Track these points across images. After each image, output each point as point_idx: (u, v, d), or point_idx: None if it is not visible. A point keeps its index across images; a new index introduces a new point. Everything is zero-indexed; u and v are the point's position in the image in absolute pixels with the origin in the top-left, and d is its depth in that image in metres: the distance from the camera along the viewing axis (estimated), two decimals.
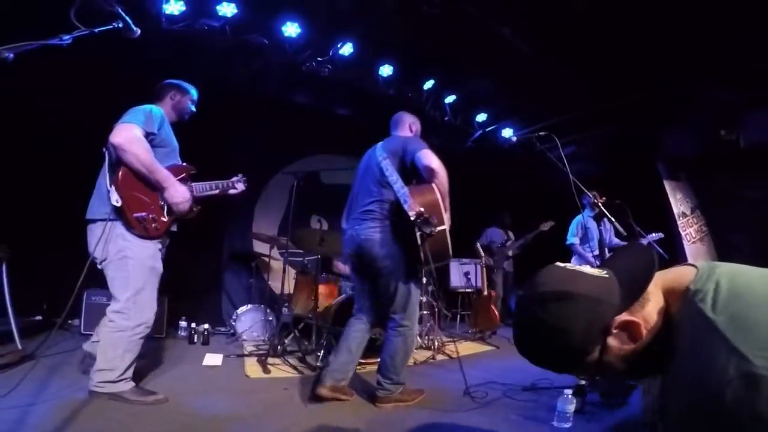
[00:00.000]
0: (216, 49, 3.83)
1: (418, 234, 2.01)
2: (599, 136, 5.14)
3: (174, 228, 2.31)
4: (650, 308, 0.74)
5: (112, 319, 2.04)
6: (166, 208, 2.16)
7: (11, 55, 1.09)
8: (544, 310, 0.76)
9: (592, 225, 4.11)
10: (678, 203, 5.17)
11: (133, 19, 1.64)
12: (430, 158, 2.20)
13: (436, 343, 3.66)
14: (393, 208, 2.20)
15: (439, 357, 3.45)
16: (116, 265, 2.04)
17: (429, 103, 5.07)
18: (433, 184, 2.18)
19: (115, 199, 1.98)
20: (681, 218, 5.12)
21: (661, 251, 4.24)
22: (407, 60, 4.45)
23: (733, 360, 0.59)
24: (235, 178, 2.68)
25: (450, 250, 2.22)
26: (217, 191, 2.55)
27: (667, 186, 5.15)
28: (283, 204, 5.21)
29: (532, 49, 3.94)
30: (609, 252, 4.53)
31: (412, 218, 2.00)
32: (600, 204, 2.93)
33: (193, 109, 2.49)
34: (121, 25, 1.53)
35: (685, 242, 5.02)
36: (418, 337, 3.88)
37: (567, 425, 1.91)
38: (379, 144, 2.48)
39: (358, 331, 2.38)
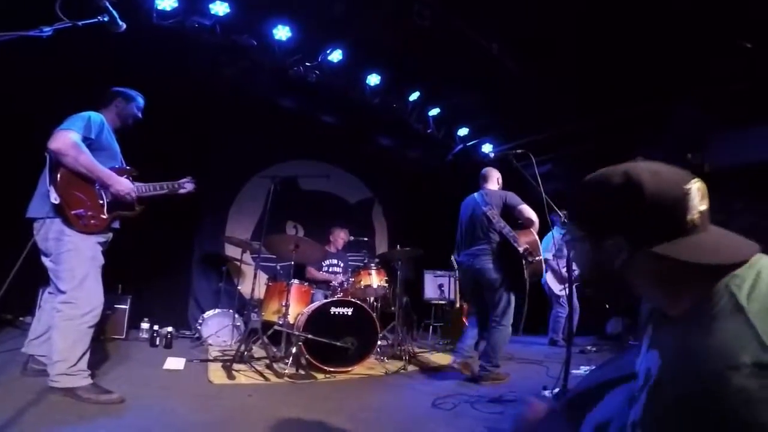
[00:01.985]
0: (204, 48, 3.79)
1: (525, 262, 2.93)
2: (574, 156, 5.33)
3: (116, 225, 2.38)
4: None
5: (60, 309, 2.08)
6: (105, 205, 2.27)
7: None
8: (616, 174, 0.74)
9: (561, 241, 4.24)
10: None
11: (123, 13, 1.65)
12: (529, 212, 3.10)
13: (408, 354, 3.64)
14: (499, 246, 3.08)
15: (411, 367, 3.44)
16: (60, 259, 2.12)
17: (413, 114, 5.14)
18: (531, 229, 3.08)
19: (54, 198, 2.08)
20: None
21: None
22: (395, 70, 4.52)
23: (753, 347, 0.56)
24: (183, 180, 2.73)
25: (542, 270, 3.10)
26: (163, 192, 2.63)
27: None
28: (258, 208, 5.13)
29: (517, 67, 4.08)
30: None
31: (521, 251, 2.93)
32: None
33: (139, 116, 2.57)
34: (106, 19, 1.52)
35: None
36: (391, 347, 3.89)
37: None
38: (477, 196, 3.31)
39: (473, 331, 3.26)
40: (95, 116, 2.28)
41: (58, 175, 2.10)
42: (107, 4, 1.50)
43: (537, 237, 3.08)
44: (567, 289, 3.11)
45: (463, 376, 3.09)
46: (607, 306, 5.01)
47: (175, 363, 2.96)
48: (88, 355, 2.13)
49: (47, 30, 1.28)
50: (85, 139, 2.18)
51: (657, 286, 0.74)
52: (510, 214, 3.12)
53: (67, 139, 2.10)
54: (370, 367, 3.37)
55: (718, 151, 4.35)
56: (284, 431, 1.95)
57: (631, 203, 0.71)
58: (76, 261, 2.12)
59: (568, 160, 5.42)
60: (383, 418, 2.22)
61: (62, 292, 2.10)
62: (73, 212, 2.11)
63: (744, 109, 3.92)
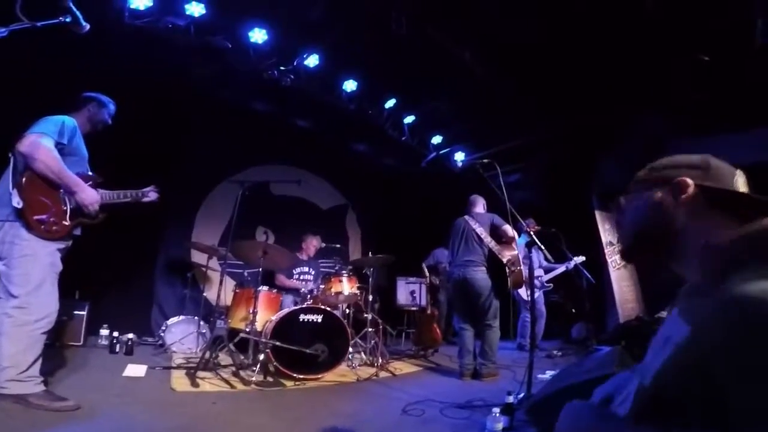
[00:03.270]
0: (177, 49, 3.70)
1: (508, 271, 3.36)
2: (543, 165, 5.54)
3: (77, 232, 2.33)
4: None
5: (12, 314, 1.99)
6: (69, 212, 2.21)
7: None
8: None
9: (524, 250, 4.40)
10: (606, 233, 5.67)
11: (94, 11, 1.59)
12: (511, 231, 3.50)
13: (379, 360, 3.63)
14: (486, 258, 3.51)
15: (382, 374, 3.43)
16: (15, 263, 2.04)
17: (389, 121, 5.19)
18: (513, 244, 3.53)
19: (17, 201, 2.02)
20: (608, 246, 5.61)
21: (588, 275, 4.60)
22: (371, 77, 4.54)
23: None
24: (146, 189, 2.70)
25: (524, 280, 3.43)
26: (127, 199, 2.60)
27: (598, 216, 5.65)
28: (227, 213, 4.99)
29: (489, 75, 4.20)
30: (545, 272, 4.88)
31: (504, 262, 3.39)
32: (531, 232, 3.16)
33: (109, 121, 2.54)
34: (69, 20, 1.47)
35: (611, 269, 5.49)
36: (363, 354, 3.87)
37: None
38: (468, 218, 3.72)
39: (469, 338, 3.52)
40: (69, 121, 2.25)
41: (24, 179, 2.04)
42: (70, 4, 1.45)
43: (517, 252, 3.48)
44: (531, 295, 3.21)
45: (435, 382, 3.13)
46: (573, 310, 5.19)
47: (135, 370, 2.84)
48: (40, 362, 2.05)
49: (1, 31, 1.23)
50: (57, 144, 2.15)
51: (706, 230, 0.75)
52: (495, 232, 3.57)
53: (39, 143, 2.05)
54: (341, 374, 3.33)
55: None
56: None
57: (703, 165, 0.82)
58: (32, 266, 2.05)
59: (536, 169, 5.64)
60: (353, 425, 2.20)
61: (14, 297, 2.00)
62: (35, 217, 2.06)
63: (702, 118, 4.17)
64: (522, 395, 2.50)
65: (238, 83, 4.36)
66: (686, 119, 4.28)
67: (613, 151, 4.90)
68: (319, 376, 3.15)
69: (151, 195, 2.69)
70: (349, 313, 4.10)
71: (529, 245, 3.14)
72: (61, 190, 2.18)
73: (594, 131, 4.75)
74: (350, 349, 3.53)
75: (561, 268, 4.82)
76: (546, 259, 4.61)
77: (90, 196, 2.26)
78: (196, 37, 3.60)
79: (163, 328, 3.75)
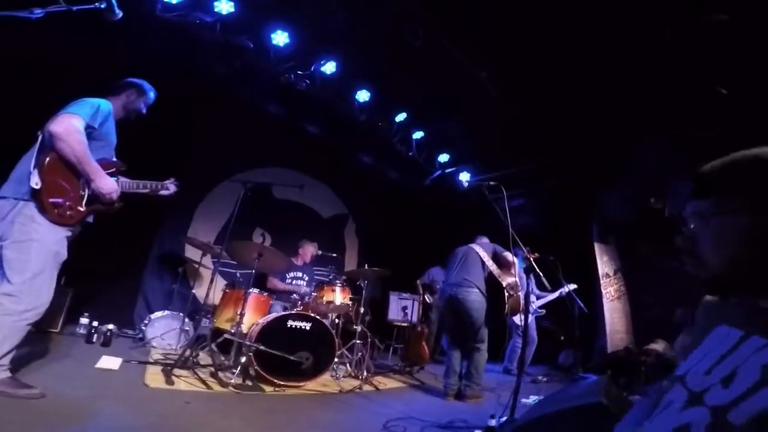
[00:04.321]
0: (200, 45, 3.76)
1: (507, 296, 3.38)
2: (546, 192, 5.52)
3: (90, 219, 2.27)
4: None
5: (1, 302, 1.88)
6: (86, 198, 2.15)
7: None
8: None
9: (523, 275, 4.36)
10: (603, 264, 5.62)
11: (124, 1, 1.59)
12: (511, 257, 3.55)
13: (365, 374, 3.54)
14: (482, 281, 3.51)
15: (366, 387, 3.34)
16: (18, 247, 1.95)
17: (397, 135, 5.21)
18: (512, 270, 3.55)
19: (35, 182, 1.95)
20: (604, 278, 5.55)
21: (581, 304, 4.54)
22: (385, 89, 4.59)
23: None
24: (166, 181, 2.65)
25: (520, 307, 3.42)
26: (145, 190, 2.54)
27: (597, 248, 5.60)
28: (227, 211, 4.96)
29: (503, 97, 4.22)
30: (537, 299, 4.84)
31: (504, 286, 3.41)
32: (531, 259, 3.13)
33: (144, 111, 2.51)
34: (104, 6, 1.49)
35: (604, 300, 5.43)
36: (348, 366, 3.78)
37: None
38: (473, 245, 3.77)
39: (457, 359, 3.51)
40: (105, 105, 2.22)
41: (46, 159, 2.00)
42: None
43: (516, 278, 3.51)
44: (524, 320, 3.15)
45: (419, 400, 3.06)
46: (563, 337, 5.12)
47: (109, 362, 2.74)
48: (14, 352, 1.94)
49: (38, 12, 1.24)
50: (88, 127, 2.11)
51: None
52: (495, 258, 3.62)
53: (70, 124, 2.02)
54: (324, 383, 3.24)
55: (679, 196, 4.60)
56: None
57: None
58: (36, 253, 1.97)
59: (539, 195, 5.62)
60: None
61: (9, 282, 1.91)
62: (51, 200, 2.00)
63: (709, 155, 4.16)
64: (505, 418, 2.42)
65: (254, 83, 4.41)
66: (690, 154, 4.28)
67: (616, 182, 4.89)
68: (301, 384, 3.05)
69: (170, 188, 2.64)
70: (338, 323, 4.02)
71: (527, 271, 3.10)
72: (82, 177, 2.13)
73: (598, 161, 4.76)
74: (336, 360, 3.45)
75: (554, 295, 4.79)
76: (539, 286, 4.58)
77: (107, 185, 2.18)
78: (221, 35, 3.66)
79: (146, 321, 3.66)
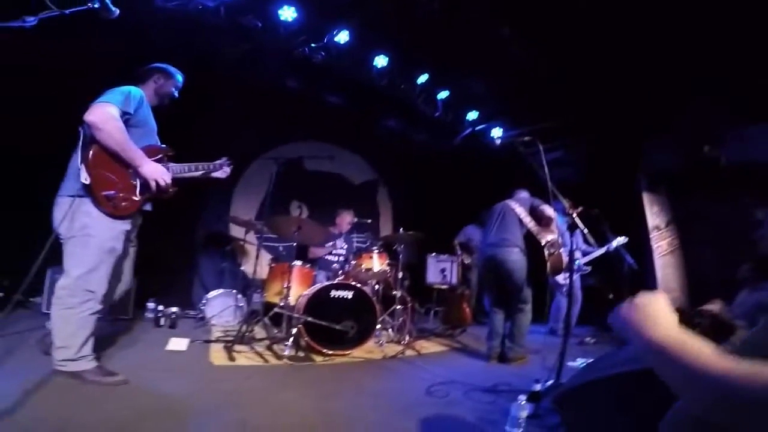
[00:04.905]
0: (208, 30, 3.71)
1: (547, 254, 3.22)
2: (586, 143, 5.18)
3: (148, 207, 2.31)
4: None
5: (60, 296, 2.04)
6: (138, 186, 2.17)
7: None
8: None
9: (565, 231, 4.19)
10: (654, 216, 5.26)
11: None
12: (550, 211, 3.33)
13: (407, 338, 3.68)
14: (522, 239, 3.37)
15: (409, 352, 3.47)
16: (77, 242, 2.04)
17: (421, 97, 5.03)
18: (552, 226, 3.35)
19: (84, 177, 1.98)
20: (655, 231, 5.21)
21: (631, 260, 4.34)
22: (403, 52, 4.39)
23: None
24: (220, 161, 2.64)
25: (563, 265, 3.29)
26: (198, 173, 2.53)
27: (645, 198, 5.23)
28: (263, 188, 5.12)
29: (528, 52, 3.92)
30: (583, 255, 4.65)
31: (543, 244, 3.24)
32: (573, 214, 2.98)
33: (176, 94, 2.49)
34: (97, 6, 1.45)
35: (655, 255, 5.13)
36: (390, 331, 3.94)
37: (518, 430, 1.94)
38: (509, 201, 3.58)
39: (499, 320, 3.46)
40: (135, 90, 2.19)
41: (90, 153, 2.01)
42: None
43: (557, 235, 3.35)
44: (569, 279, 3.05)
45: (462, 363, 3.15)
46: (611, 296, 4.96)
47: (178, 344, 3.02)
48: (92, 340, 2.12)
49: (31, 20, 1.23)
50: (124, 114, 2.09)
51: None
52: (533, 213, 3.45)
53: (105, 112, 2.01)
54: (368, 350, 3.41)
55: (735, 145, 4.18)
56: (279, 412, 1.99)
57: None
58: (92, 249, 2.04)
59: (579, 147, 5.28)
60: (377, 404, 2.25)
61: (67, 277, 2.04)
62: (103, 193, 2.02)
63: (760, 104, 3.73)
64: (550, 382, 2.45)
65: (270, 62, 4.35)
66: (742, 103, 3.82)
67: (663, 132, 4.49)
68: (347, 352, 3.24)
69: (225, 168, 2.65)
70: (378, 289, 4.13)
71: (571, 227, 2.97)
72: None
73: (643, 111, 4.36)
74: (378, 326, 3.58)
75: (601, 251, 4.53)
76: (586, 241, 4.38)
77: (153, 170, 2.16)
78: (227, 18, 3.58)
79: (204, 301, 3.98)
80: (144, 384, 2.18)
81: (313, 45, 4.05)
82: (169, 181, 2.25)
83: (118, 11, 1.56)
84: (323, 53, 4.13)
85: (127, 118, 2.11)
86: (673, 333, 0.70)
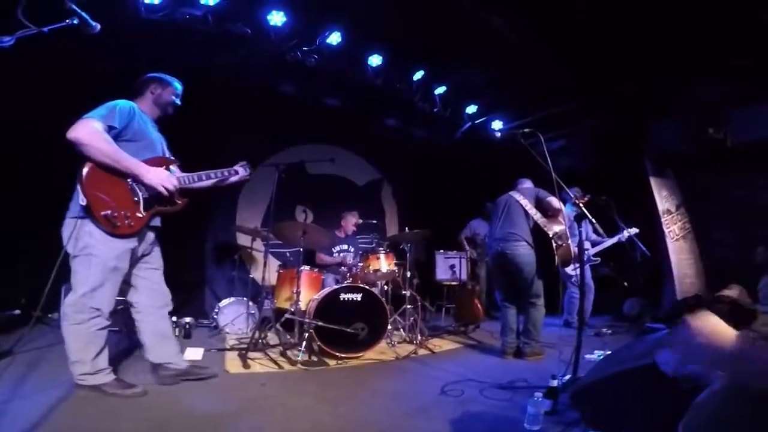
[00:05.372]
0: (197, 39, 3.71)
1: (555, 246, 3.16)
2: (588, 130, 5.11)
3: (157, 223, 2.29)
4: None
5: (67, 312, 2.07)
6: (141, 202, 2.12)
7: None
8: None
9: (573, 222, 4.13)
10: (663, 200, 5.18)
11: (109, 9, 1.55)
12: (556, 203, 3.23)
13: (419, 338, 3.67)
14: (529, 232, 3.31)
15: (421, 351, 3.46)
16: (80, 261, 2.06)
17: (418, 93, 5.00)
18: (560, 217, 3.28)
19: (81, 199, 1.97)
20: (665, 215, 5.12)
21: (643, 248, 4.28)
22: (396, 49, 4.36)
23: None
24: (236, 166, 2.60)
25: (572, 256, 3.25)
26: (211, 182, 2.48)
27: (653, 182, 5.15)
28: (267, 195, 5.05)
29: (524, 41, 3.88)
30: (592, 245, 4.58)
31: (550, 235, 3.18)
32: (580, 204, 2.94)
33: (178, 102, 2.44)
34: (76, 22, 1.40)
35: (668, 240, 5.04)
36: (402, 331, 3.93)
37: (536, 428, 1.92)
38: (513, 193, 3.53)
39: (512, 315, 3.41)
40: (123, 103, 2.12)
41: (84, 173, 1.97)
42: (73, 6, 1.38)
43: (565, 226, 3.27)
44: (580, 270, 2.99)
45: (476, 360, 3.13)
46: (626, 284, 4.89)
47: (193, 353, 3.04)
48: (106, 353, 2.15)
49: (7, 39, 1.18)
50: (110, 129, 2.03)
51: None
52: (540, 205, 3.38)
53: (86, 127, 1.95)
54: (381, 352, 3.41)
55: (741, 125, 4.09)
56: (294, 421, 1.99)
57: None
58: (94, 268, 2.04)
59: (581, 134, 5.22)
60: (392, 406, 2.25)
61: (73, 294, 2.08)
62: (102, 213, 1.98)
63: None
64: (568, 377, 2.43)
65: (264, 68, 4.35)
66: (750, 82, 3.74)
67: (668, 114, 4.41)
68: (360, 354, 3.24)
69: (240, 172, 2.56)
70: (387, 290, 4.13)
71: (578, 218, 2.93)
72: (129, 180, 2.07)
73: (646, 95, 4.28)
74: (389, 327, 3.57)
75: (611, 241, 4.47)
76: (595, 231, 4.31)
77: (158, 176, 2.11)
78: (215, 26, 3.58)
79: (216, 310, 4.01)
80: (162, 394, 2.21)
81: (305, 48, 4.04)
82: (174, 185, 2.20)
83: (99, 26, 1.51)
84: (316, 56, 4.12)
85: (116, 132, 2.06)
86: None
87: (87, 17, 1.42)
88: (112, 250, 2.07)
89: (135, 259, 2.23)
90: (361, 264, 3.87)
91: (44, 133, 3.56)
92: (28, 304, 3.88)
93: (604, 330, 4.24)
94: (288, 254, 4.91)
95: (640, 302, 4.70)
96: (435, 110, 5.20)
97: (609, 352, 2.56)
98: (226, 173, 2.53)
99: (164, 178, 2.16)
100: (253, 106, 4.90)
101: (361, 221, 4.81)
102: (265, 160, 5.12)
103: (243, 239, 4.83)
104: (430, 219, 4.90)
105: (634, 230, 4.31)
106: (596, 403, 1.93)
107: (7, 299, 3.73)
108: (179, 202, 2.29)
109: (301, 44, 4.01)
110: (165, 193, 2.16)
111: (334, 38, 4.02)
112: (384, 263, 3.80)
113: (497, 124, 5.64)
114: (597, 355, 3.13)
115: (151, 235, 2.30)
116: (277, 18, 3.74)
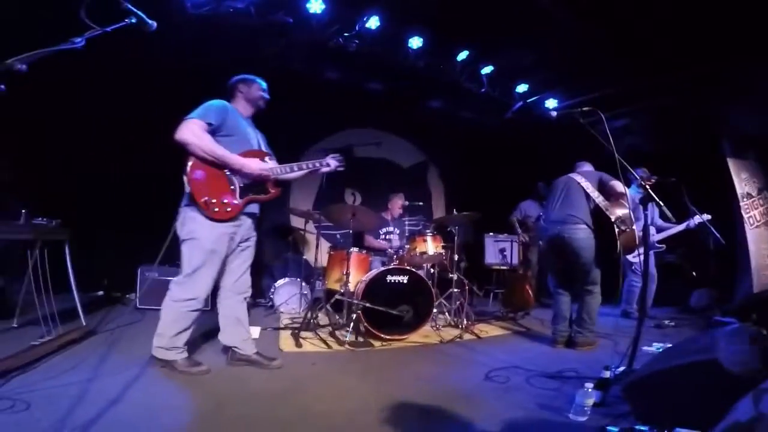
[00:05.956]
0: (242, 31, 3.83)
1: (618, 231, 2.91)
2: (656, 109, 4.63)
3: (254, 210, 2.47)
4: None
5: (171, 288, 2.31)
6: (238, 190, 2.33)
7: (24, 67, 1.09)
8: None
9: (639, 206, 3.83)
10: (742, 183, 4.63)
11: (157, 6, 1.63)
12: (620, 186, 3.05)
13: (464, 322, 3.66)
14: (589, 215, 3.13)
15: (467, 336, 3.45)
16: (187, 245, 2.30)
17: (464, 74, 4.82)
18: (623, 201, 3.04)
19: (186, 187, 2.25)
20: (745, 199, 4.59)
21: (717, 235, 3.88)
22: (438, 31, 4.23)
23: None
24: (326, 158, 2.73)
25: (636, 242, 3.01)
26: (302, 172, 2.63)
27: (732, 164, 4.61)
28: (317, 179, 5.31)
29: (576, 16, 3.56)
30: (657, 231, 4.24)
31: (613, 220, 2.95)
32: (646, 186, 2.71)
33: (266, 96, 2.62)
34: (134, 21, 1.47)
35: (747, 226, 4.52)
36: (448, 315, 3.94)
37: (582, 419, 1.87)
38: (573, 174, 3.35)
39: (565, 303, 3.28)
40: (217, 102, 2.34)
41: (189, 164, 2.24)
42: (129, 6, 1.45)
43: (630, 210, 3.02)
44: (644, 258, 2.78)
45: (523, 348, 3.07)
46: (694, 273, 4.47)
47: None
48: (187, 335, 2.35)
49: (79, 40, 1.26)
50: (209, 125, 2.26)
51: None
52: (602, 189, 3.20)
53: (187, 128, 2.20)
54: (425, 335, 3.45)
55: None
56: (343, 399, 2.11)
57: None
58: (195, 251, 2.26)
59: (647, 112, 4.74)
60: (434, 389, 2.27)
61: (180, 274, 2.31)
62: (203, 199, 2.22)
63: None
64: (622, 369, 2.31)
65: (306, 55, 4.42)
66: None
67: (746, 93, 3.85)
68: (404, 336, 3.31)
69: (332, 163, 2.68)
70: (434, 272, 4.12)
71: (644, 201, 2.68)
72: (227, 171, 2.30)
73: (719, 71, 3.77)
74: (435, 310, 3.60)
75: (679, 228, 4.09)
76: (662, 216, 3.96)
77: (250, 166, 2.32)
78: (258, 17, 3.67)
79: (272, 290, 4.27)
80: (222, 372, 2.41)
81: (346, 34, 4.05)
82: (264, 172, 2.39)
83: (155, 24, 1.57)
84: (357, 41, 4.11)
85: (214, 128, 2.28)
86: None
87: (143, 16, 1.49)
88: (211, 234, 2.27)
89: (233, 246, 2.42)
90: (408, 246, 3.90)
91: (125, 130, 3.98)
92: (110, 285, 4.41)
93: (666, 322, 3.94)
94: (338, 236, 5.07)
95: (710, 294, 4.30)
96: (482, 90, 4.99)
97: (669, 345, 2.41)
98: (317, 164, 2.66)
99: (257, 167, 2.35)
100: (299, 94, 5.00)
101: (407, 203, 4.82)
102: (313, 145, 5.31)
103: (296, 221, 5.06)
104: (479, 201, 4.79)
105: (707, 216, 3.91)
106: (650, 397, 1.84)
107: (91, 281, 4.24)
108: (272, 191, 2.47)
109: (342, 30, 4.02)
110: (260, 179, 2.37)
111: (373, 23, 3.99)
112: (431, 246, 3.79)
113: (551, 103, 5.29)
114: (656, 347, 2.96)
115: (248, 221, 2.47)
116: (316, 5, 3.78)
